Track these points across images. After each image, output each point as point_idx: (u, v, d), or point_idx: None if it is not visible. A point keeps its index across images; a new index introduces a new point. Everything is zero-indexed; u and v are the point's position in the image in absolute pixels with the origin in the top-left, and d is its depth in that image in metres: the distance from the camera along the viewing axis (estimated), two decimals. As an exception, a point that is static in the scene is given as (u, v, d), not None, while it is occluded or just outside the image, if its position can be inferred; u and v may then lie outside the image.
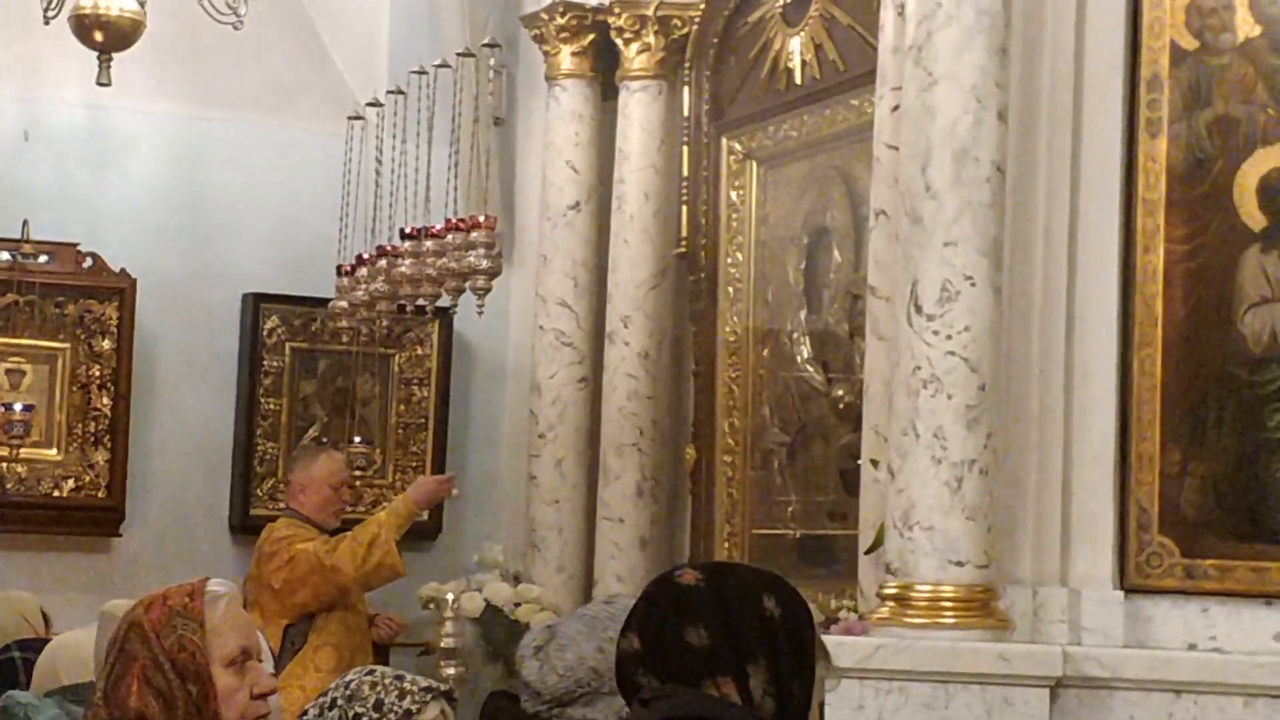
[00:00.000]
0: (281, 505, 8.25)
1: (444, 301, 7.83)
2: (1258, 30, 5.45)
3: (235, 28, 7.54)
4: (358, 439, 8.73)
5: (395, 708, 2.99)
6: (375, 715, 3.00)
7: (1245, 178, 5.43)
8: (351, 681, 3.08)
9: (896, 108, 5.91)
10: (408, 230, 7.69)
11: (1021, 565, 5.47)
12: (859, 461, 6.50)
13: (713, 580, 2.72)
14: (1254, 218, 5.43)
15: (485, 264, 7.33)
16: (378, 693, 3.06)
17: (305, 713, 3.19)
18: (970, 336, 5.32)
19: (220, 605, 3.07)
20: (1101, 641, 5.38)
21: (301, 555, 7.55)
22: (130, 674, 3.01)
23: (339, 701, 3.04)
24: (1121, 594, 5.43)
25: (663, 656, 2.68)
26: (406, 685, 3.07)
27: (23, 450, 8.26)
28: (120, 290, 8.52)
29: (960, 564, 5.30)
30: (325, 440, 8.70)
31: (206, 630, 3.03)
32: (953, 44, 5.41)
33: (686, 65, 8.20)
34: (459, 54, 7.79)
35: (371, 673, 3.11)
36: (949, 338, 5.33)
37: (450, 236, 7.45)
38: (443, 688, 3.13)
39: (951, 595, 5.29)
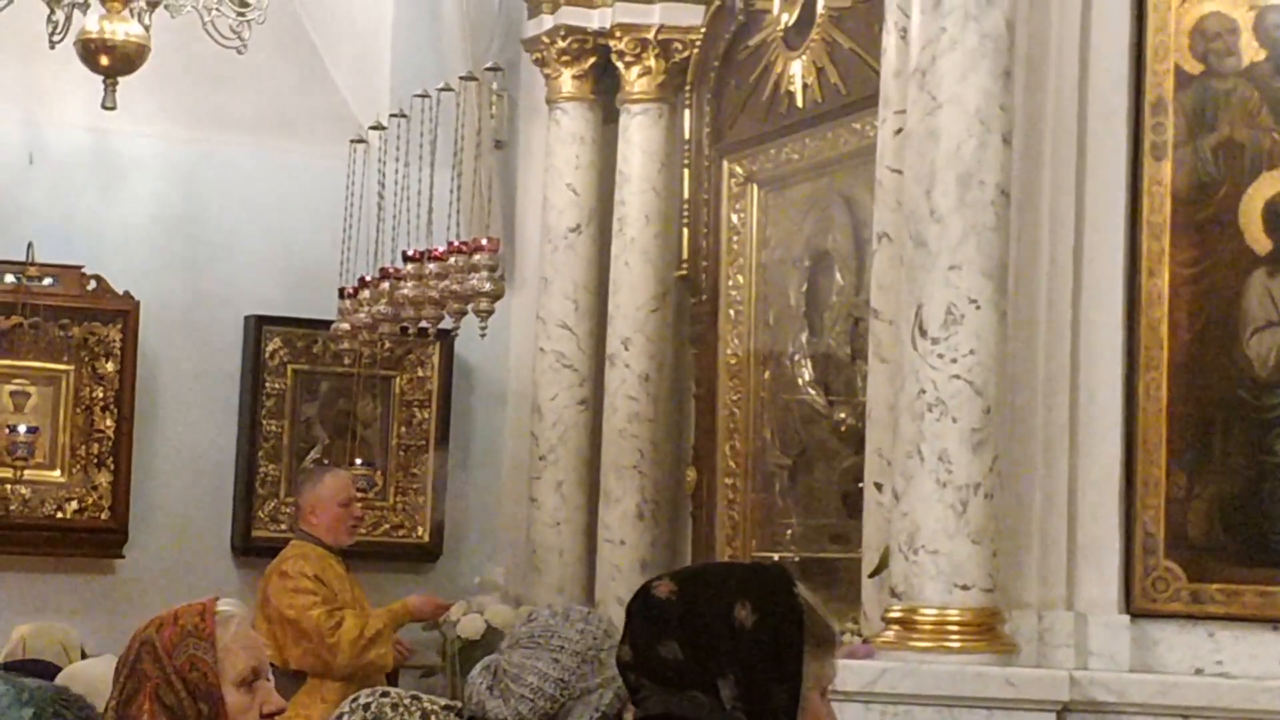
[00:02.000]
0: (285, 527, 8.23)
1: (446, 324, 7.84)
2: (1262, 55, 5.47)
3: (239, 52, 7.56)
4: (359, 461, 8.74)
5: None
6: None
7: (1250, 201, 5.44)
8: (370, 704, 3.08)
9: (899, 131, 5.92)
10: (410, 253, 7.70)
11: (1027, 589, 5.47)
12: (860, 484, 6.50)
13: (684, 592, 2.75)
14: (1259, 241, 5.44)
15: (487, 286, 7.35)
16: (400, 714, 3.07)
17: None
18: (975, 359, 5.33)
19: (231, 625, 3.09)
20: (1108, 666, 5.38)
21: (307, 620, 7.51)
22: (142, 692, 3.03)
23: None
24: (1128, 618, 5.43)
25: (647, 666, 2.73)
26: (427, 705, 3.08)
27: (26, 472, 8.27)
28: (124, 312, 8.53)
29: (966, 588, 5.30)
30: (327, 462, 8.71)
31: (218, 650, 3.04)
32: (957, 68, 5.43)
33: (687, 88, 8.21)
34: (461, 77, 7.81)
35: (387, 694, 3.11)
36: (954, 361, 5.34)
37: (452, 259, 7.46)
38: (458, 705, 3.14)
39: (957, 619, 5.29)
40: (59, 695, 3.57)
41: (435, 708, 3.09)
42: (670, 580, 2.78)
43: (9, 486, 8.32)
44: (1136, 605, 5.45)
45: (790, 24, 7.64)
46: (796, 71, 7.60)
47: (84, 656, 6.45)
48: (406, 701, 3.11)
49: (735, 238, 8.05)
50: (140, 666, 3.05)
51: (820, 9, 7.43)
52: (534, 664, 3.49)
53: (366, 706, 3.10)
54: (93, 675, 5.01)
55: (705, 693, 2.69)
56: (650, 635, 2.73)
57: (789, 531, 7.72)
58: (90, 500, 8.49)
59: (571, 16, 8.38)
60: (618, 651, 2.80)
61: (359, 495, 8.43)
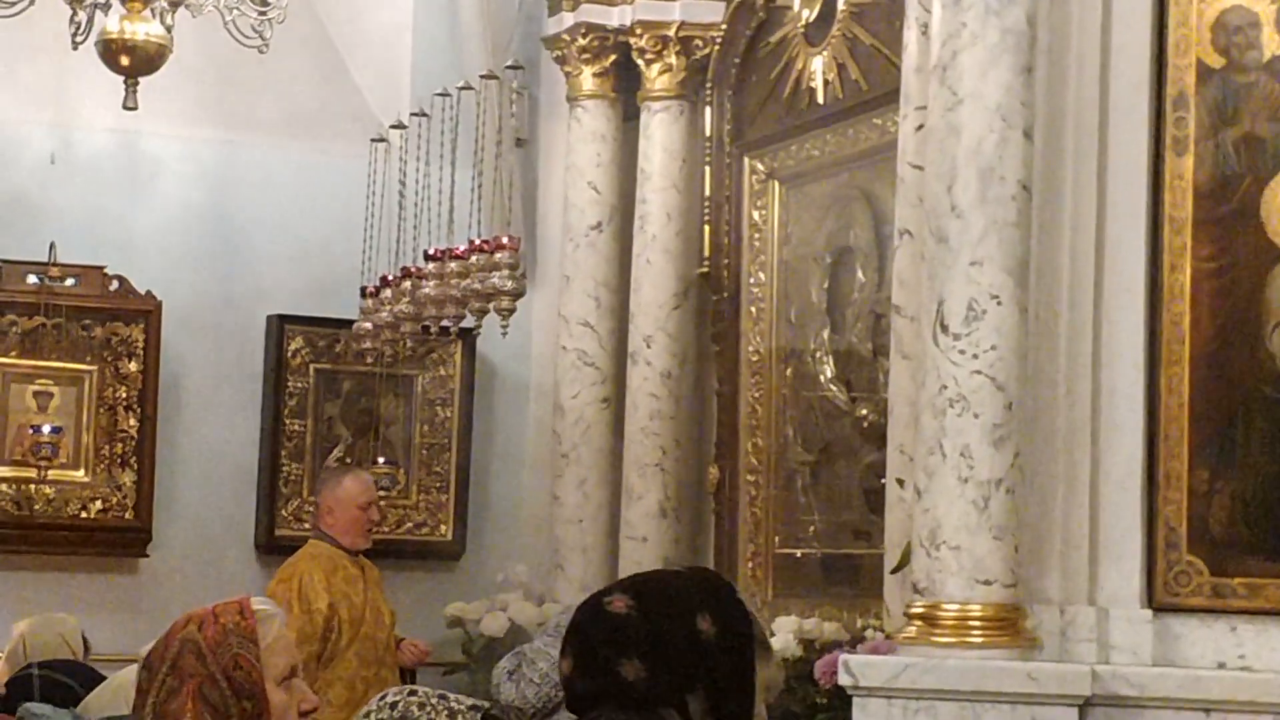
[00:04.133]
0: (308, 526, 8.25)
1: (468, 322, 7.85)
2: (1284, 49, 5.46)
3: (260, 52, 7.57)
4: (382, 459, 8.75)
5: None
6: None
7: (1272, 195, 5.43)
8: (398, 703, 3.09)
9: (920, 127, 5.93)
10: (431, 251, 7.71)
11: (1049, 584, 5.47)
12: (883, 480, 6.51)
13: (643, 606, 2.67)
14: (1281, 235, 5.43)
15: (509, 285, 7.36)
16: (427, 713, 3.07)
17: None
18: (997, 355, 5.33)
19: (273, 624, 3.11)
20: (1130, 660, 5.38)
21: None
22: (184, 691, 3.04)
23: None
24: (1150, 612, 5.42)
25: (602, 688, 2.66)
26: (453, 705, 3.08)
27: (51, 472, 8.29)
28: (146, 313, 8.55)
29: (988, 583, 5.30)
30: (350, 461, 8.72)
31: (260, 648, 3.06)
32: (978, 63, 5.43)
33: (708, 85, 8.22)
34: (481, 76, 7.82)
35: (415, 693, 3.11)
36: (975, 357, 5.34)
37: (474, 258, 7.47)
38: (485, 705, 3.14)
39: (979, 614, 5.29)
40: None
41: (462, 707, 3.09)
42: (623, 594, 2.70)
43: (33, 486, 8.35)
44: (1158, 599, 5.44)
45: (811, 20, 7.64)
46: (817, 68, 7.61)
47: (85, 645, 6.45)
48: (434, 701, 3.11)
49: (757, 235, 8.06)
50: (182, 664, 3.05)
51: (841, 5, 7.44)
52: (550, 652, 3.50)
53: (394, 705, 3.10)
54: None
55: (675, 708, 2.63)
56: (607, 655, 2.64)
57: (811, 528, 7.72)
58: (114, 500, 8.52)
59: (592, 14, 8.39)
60: (559, 666, 2.73)
61: (381, 494, 8.45)
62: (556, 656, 3.50)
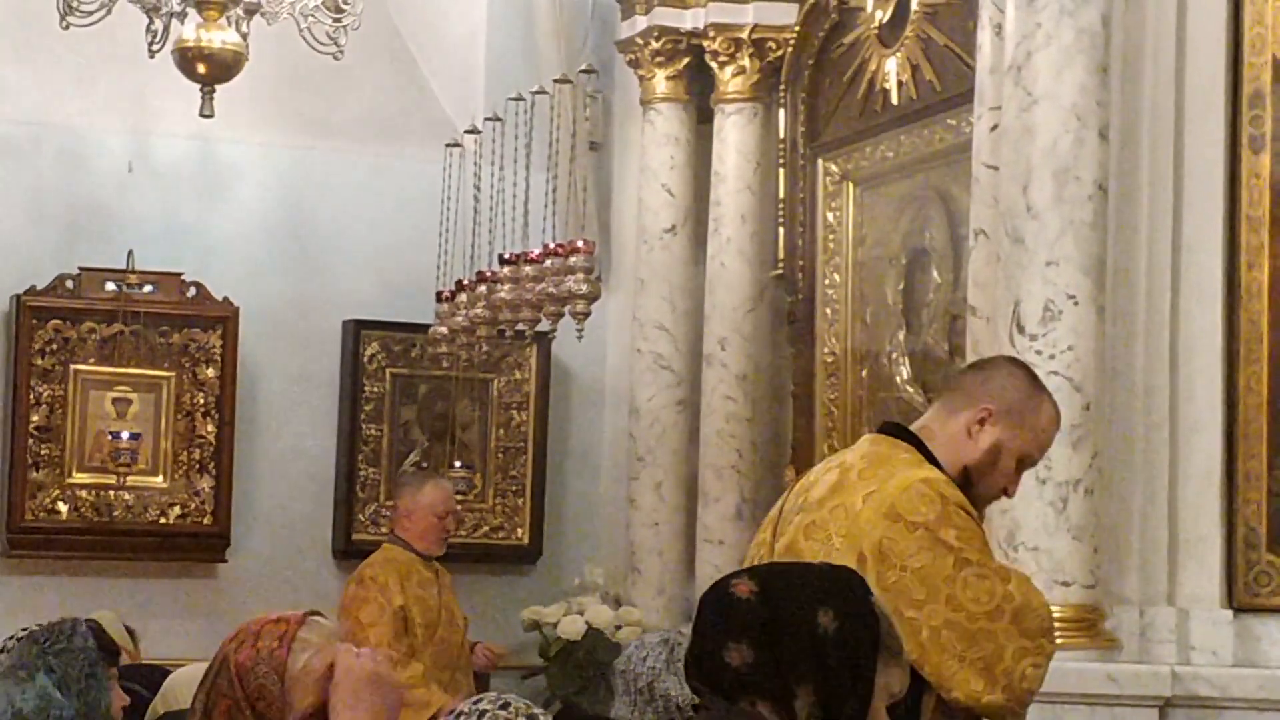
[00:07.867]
0: (385, 530, 8.27)
1: (543, 326, 7.85)
2: (1361, 45, 5.42)
3: (335, 58, 7.60)
4: (458, 463, 8.78)
5: None
6: None
7: (1351, 193, 5.39)
8: (486, 712, 3.07)
9: (995, 127, 5.91)
10: (506, 256, 7.72)
11: (1128, 585, 5.44)
12: (960, 481, 6.47)
13: (767, 593, 2.66)
14: (1360, 233, 5.39)
15: (584, 288, 7.35)
16: None
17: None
18: (1073, 356, 5.31)
19: (303, 657, 3.06)
20: (1210, 661, 5.35)
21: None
22: (219, 709, 3.06)
23: None
24: (1230, 613, 5.40)
25: (703, 667, 2.67)
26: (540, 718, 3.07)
27: (130, 478, 8.35)
28: (223, 319, 8.60)
29: (1066, 584, 5.28)
30: (426, 465, 8.75)
31: (285, 681, 3.04)
32: (1052, 63, 5.41)
33: (782, 87, 8.21)
34: (555, 80, 7.83)
35: (506, 705, 3.09)
36: (1052, 357, 5.32)
37: (549, 261, 7.47)
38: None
39: (1058, 615, 5.23)
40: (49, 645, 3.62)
41: (550, 721, 3.08)
42: (750, 579, 2.69)
43: (113, 493, 8.41)
44: (1239, 600, 5.41)
45: (884, 21, 7.62)
46: (891, 69, 7.59)
47: (132, 634, 6.45)
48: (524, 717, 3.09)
49: (831, 236, 8.04)
50: (219, 683, 3.07)
51: (914, 6, 7.41)
52: None
53: (483, 714, 3.09)
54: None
55: (770, 701, 2.63)
56: (719, 637, 2.65)
57: (888, 530, 7.68)
58: (193, 505, 8.57)
59: (665, 17, 8.39)
60: (687, 647, 2.75)
61: (457, 498, 8.44)
62: None
